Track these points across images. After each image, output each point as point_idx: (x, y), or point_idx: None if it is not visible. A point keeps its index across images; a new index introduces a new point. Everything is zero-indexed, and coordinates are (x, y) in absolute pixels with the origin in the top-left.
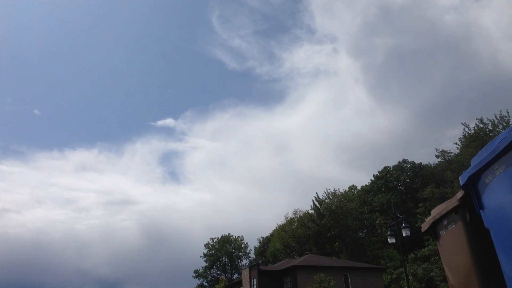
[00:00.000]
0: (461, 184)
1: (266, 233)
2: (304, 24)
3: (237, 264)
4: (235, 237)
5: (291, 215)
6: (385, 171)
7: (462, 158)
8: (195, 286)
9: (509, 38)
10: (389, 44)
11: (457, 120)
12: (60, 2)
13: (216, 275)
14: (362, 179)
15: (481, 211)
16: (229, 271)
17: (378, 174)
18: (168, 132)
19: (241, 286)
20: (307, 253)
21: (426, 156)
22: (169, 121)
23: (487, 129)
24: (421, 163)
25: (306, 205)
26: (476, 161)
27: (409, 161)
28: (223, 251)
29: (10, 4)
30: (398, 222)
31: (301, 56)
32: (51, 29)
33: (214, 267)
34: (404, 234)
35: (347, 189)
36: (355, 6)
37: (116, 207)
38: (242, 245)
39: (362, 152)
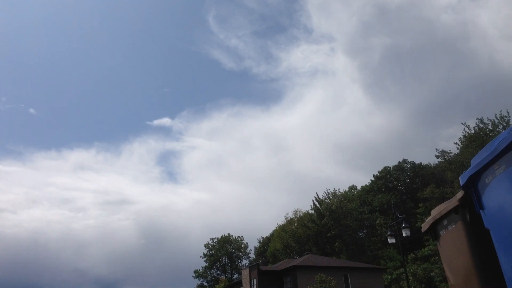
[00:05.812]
0: (461, 184)
1: (264, 232)
2: (301, 24)
3: (237, 264)
4: (235, 237)
5: (291, 215)
6: (385, 171)
7: (462, 158)
8: (195, 286)
9: (506, 37)
10: (386, 43)
11: (454, 119)
12: (55, 1)
13: (216, 275)
14: (360, 178)
15: (481, 211)
16: (229, 271)
17: (378, 174)
18: (165, 131)
19: (241, 286)
20: (307, 253)
21: (422, 155)
22: (165, 121)
23: (487, 129)
24: (421, 163)
25: (303, 205)
26: (476, 161)
27: (409, 161)
28: (223, 251)
29: (6, 3)
30: (398, 222)
31: (298, 56)
32: (45, 27)
33: (214, 267)
34: (404, 234)
35: (347, 189)
36: (351, 6)
37: (113, 207)
38: (242, 245)
39: (359, 152)
